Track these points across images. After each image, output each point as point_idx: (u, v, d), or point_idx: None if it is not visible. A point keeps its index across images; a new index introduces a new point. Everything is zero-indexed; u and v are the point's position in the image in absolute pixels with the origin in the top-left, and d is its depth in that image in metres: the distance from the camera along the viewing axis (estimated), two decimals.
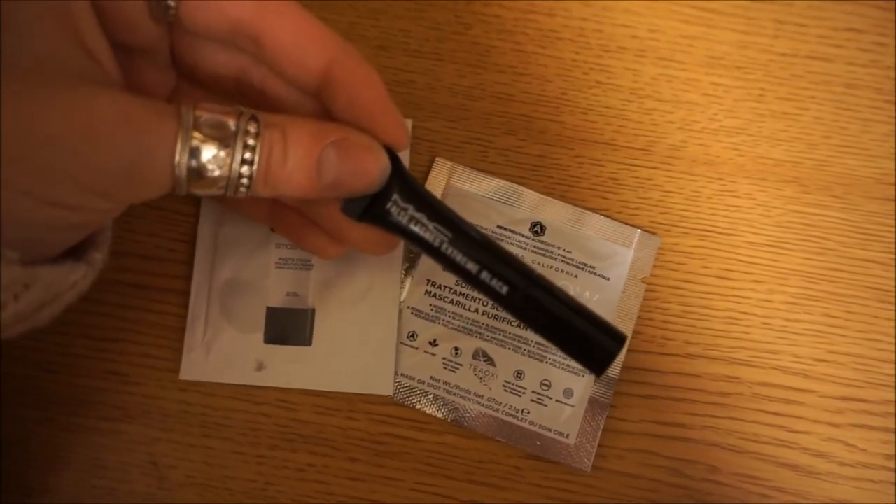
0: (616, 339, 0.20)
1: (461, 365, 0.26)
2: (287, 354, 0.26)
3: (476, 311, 0.26)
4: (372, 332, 0.26)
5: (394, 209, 0.20)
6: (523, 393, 0.26)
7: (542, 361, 0.26)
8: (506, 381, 0.26)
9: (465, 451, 0.26)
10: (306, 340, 0.26)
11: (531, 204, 0.27)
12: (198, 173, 0.18)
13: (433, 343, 0.26)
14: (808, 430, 0.26)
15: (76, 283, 0.19)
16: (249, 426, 0.26)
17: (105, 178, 0.17)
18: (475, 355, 0.26)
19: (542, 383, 0.26)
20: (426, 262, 0.26)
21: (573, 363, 0.26)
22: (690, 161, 0.28)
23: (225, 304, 0.26)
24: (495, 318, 0.26)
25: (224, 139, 0.18)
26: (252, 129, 0.19)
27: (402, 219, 0.20)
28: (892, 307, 0.27)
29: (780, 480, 0.26)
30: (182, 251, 0.27)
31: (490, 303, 0.26)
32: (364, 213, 0.21)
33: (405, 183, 0.20)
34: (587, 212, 0.27)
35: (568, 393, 0.26)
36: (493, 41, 0.29)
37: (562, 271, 0.26)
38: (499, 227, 0.27)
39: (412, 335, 0.26)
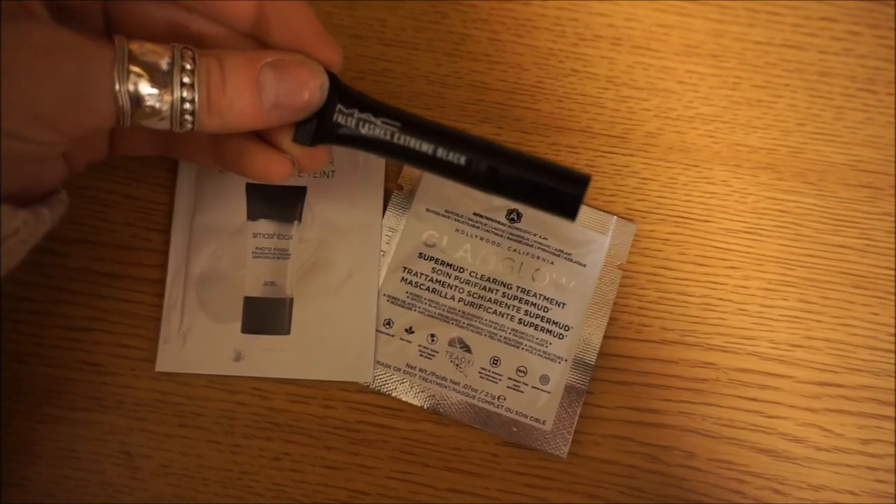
0: (580, 182, 0.20)
1: (437, 352, 0.26)
2: (265, 344, 0.26)
3: (452, 297, 0.26)
4: (350, 320, 0.26)
5: (340, 118, 0.21)
6: (500, 380, 0.26)
7: (518, 348, 0.26)
8: (482, 368, 0.26)
9: (442, 439, 0.26)
10: (285, 329, 0.26)
11: None
12: (137, 102, 0.19)
13: (409, 330, 0.26)
14: (785, 415, 0.26)
15: (18, 229, 0.20)
16: (225, 415, 0.26)
17: (49, 106, 0.18)
18: (451, 342, 0.26)
19: (518, 370, 0.26)
20: (402, 250, 0.26)
21: (550, 349, 0.26)
22: (666, 148, 0.28)
23: (201, 294, 0.26)
24: (472, 304, 0.26)
25: (161, 72, 0.19)
26: (188, 63, 0.19)
27: (351, 124, 0.21)
28: (868, 293, 0.27)
29: (756, 466, 0.26)
30: (157, 240, 0.27)
31: (467, 290, 0.26)
32: (316, 136, 0.21)
33: (346, 93, 0.21)
34: None
35: (544, 379, 0.26)
36: (469, 30, 0.29)
37: (538, 258, 0.26)
38: (475, 214, 0.27)
39: (388, 322, 0.26)
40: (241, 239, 0.26)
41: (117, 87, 0.19)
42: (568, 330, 0.26)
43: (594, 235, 0.27)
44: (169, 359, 0.26)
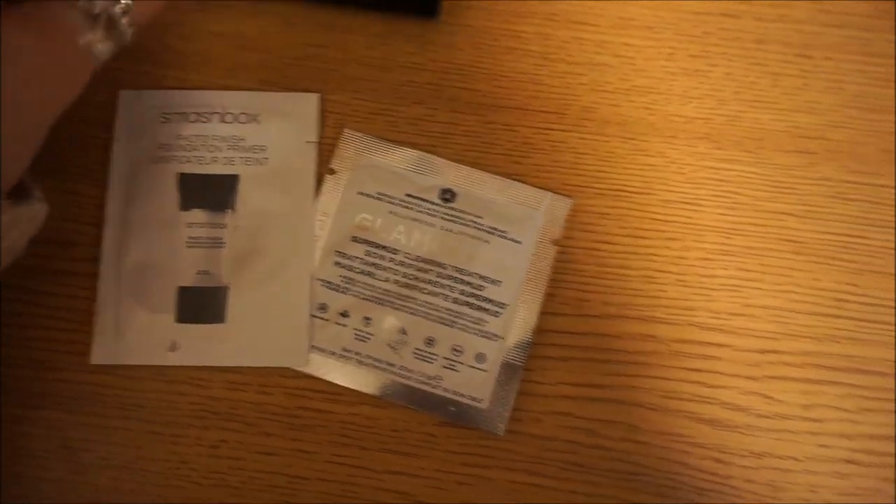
0: None
1: (372, 335, 0.26)
2: (201, 332, 0.26)
3: (387, 280, 0.26)
4: (285, 306, 0.26)
5: None
6: (435, 360, 0.25)
7: (453, 327, 0.26)
8: (417, 349, 0.25)
9: (380, 421, 0.25)
10: (220, 318, 0.26)
11: (441, 171, 0.27)
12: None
13: (344, 314, 0.26)
14: (727, 384, 0.26)
15: (17, 221, 0.22)
16: (163, 405, 0.25)
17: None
18: (386, 325, 0.26)
19: (453, 349, 0.26)
20: (336, 234, 0.26)
21: (486, 327, 0.26)
22: (602, 122, 0.28)
23: (135, 286, 0.26)
24: (406, 286, 0.26)
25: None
26: None
27: None
28: (807, 258, 0.27)
29: (699, 436, 0.26)
30: (90, 234, 0.26)
31: (401, 272, 0.26)
32: None
33: None
34: (497, 177, 0.27)
35: (480, 358, 0.26)
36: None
37: (473, 237, 0.26)
38: (407, 195, 0.27)
39: (323, 307, 0.26)
40: (175, 229, 0.26)
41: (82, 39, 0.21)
42: (503, 307, 0.26)
43: (528, 212, 0.26)
44: (104, 351, 0.25)
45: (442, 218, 0.26)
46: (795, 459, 0.26)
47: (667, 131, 0.28)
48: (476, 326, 0.26)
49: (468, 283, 0.26)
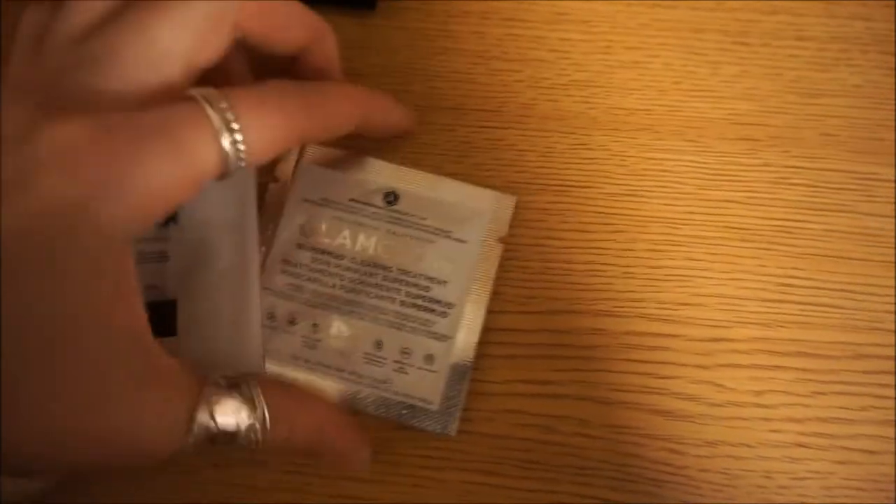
0: None
1: (320, 340, 0.26)
2: None
3: (333, 286, 0.26)
4: (235, 316, 0.26)
5: None
6: (384, 363, 0.25)
7: (401, 330, 0.26)
8: (366, 353, 0.25)
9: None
10: (170, 331, 0.26)
11: (384, 174, 0.27)
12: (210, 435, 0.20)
13: (292, 321, 0.26)
14: (677, 374, 0.26)
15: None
16: None
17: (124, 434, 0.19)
18: (334, 330, 0.26)
19: (402, 351, 0.25)
20: (281, 242, 0.26)
21: (434, 328, 0.26)
22: (542, 118, 0.28)
23: None
24: (353, 291, 0.26)
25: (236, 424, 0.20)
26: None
27: None
28: (753, 245, 0.27)
29: (651, 428, 0.26)
30: None
31: (347, 277, 0.26)
32: None
33: None
34: (441, 177, 0.27)
35: (429, 359, 0.25)
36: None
37: (417, 238, 0.26)
38: (351, 200, 0.27)
39: (270, 316, 0.26)
40: None
41: (198, 425, 0.19)
42: (451, 308, 0.26)
43: (472, 211, 0.26)
44: None
45: (386, 221, 0.26)
46: (748, 446, 0.25)
47: (608, 124, 0.28)
48: (424, 328, 0.26)
49: (414, 285, 0.26)
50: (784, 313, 0.26)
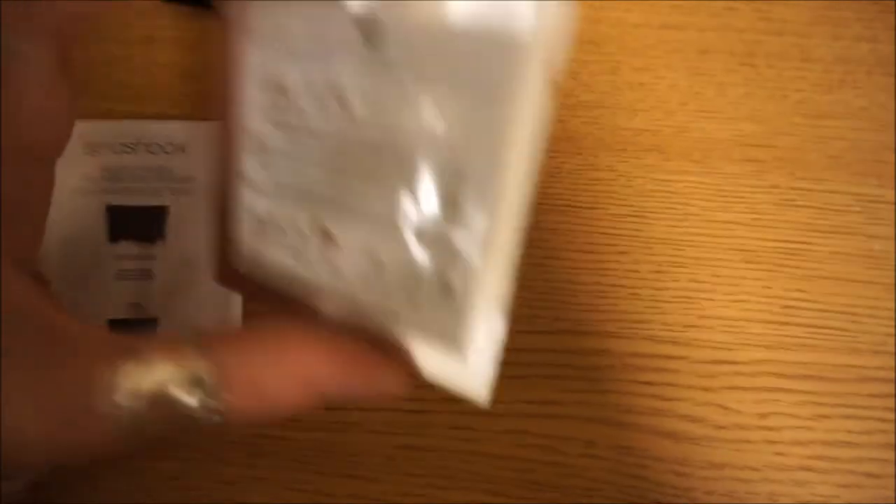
0: None
1: (307, 251, 0.18)
2: None
3: (315, 179, 0.18)
4: None
5: None
6: (383, 289, 0.17)
7: (405, 244, 0.17)
8: (360, 274, 0.17)
9: (337, 446, 0.25)
10: None
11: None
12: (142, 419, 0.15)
13: (279, 228, 0.18)
14: (682, 396, 0.26)
15: None
16: None
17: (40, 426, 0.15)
18: (319, 233, 0.18)
19: (406, 274, 0.17)
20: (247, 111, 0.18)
21: (453, 241, 0.15)
22: (549, 138, 0.28)
23: None
24: (335, 185, 0.17)
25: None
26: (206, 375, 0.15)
27: None
28: (758, 267, 0.27)
29: (657, 449, 0.26)
30: None
31: (328, 164, 0.17)
32: None
33: None
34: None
35: (446, 290, 0.16)
36: None
37: (414, 95, 0.16)
38: (317, 44, 0.17)
39: (262, 222, 0.19)
40: (104, 261, 0.26)
41: (117, 407, 0.15)
42: (475, 215, 0.16)
43: (497, 41, 0.14)
44: None
45: (370, 73, 0.16)
46: (754, 469, 0.25)
47: (615, 145, 0.28)
48: (437, 242, 0.16)
49: (415, 171, 0.16)
50: (789, 336, 0.26)
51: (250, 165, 0.19)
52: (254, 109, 0.19)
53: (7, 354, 0.15)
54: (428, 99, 0.16)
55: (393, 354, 0.17)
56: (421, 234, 0.17)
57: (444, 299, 0.16)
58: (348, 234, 0.17)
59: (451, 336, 0.17)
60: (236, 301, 0.26)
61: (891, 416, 0.26)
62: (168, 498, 0.25)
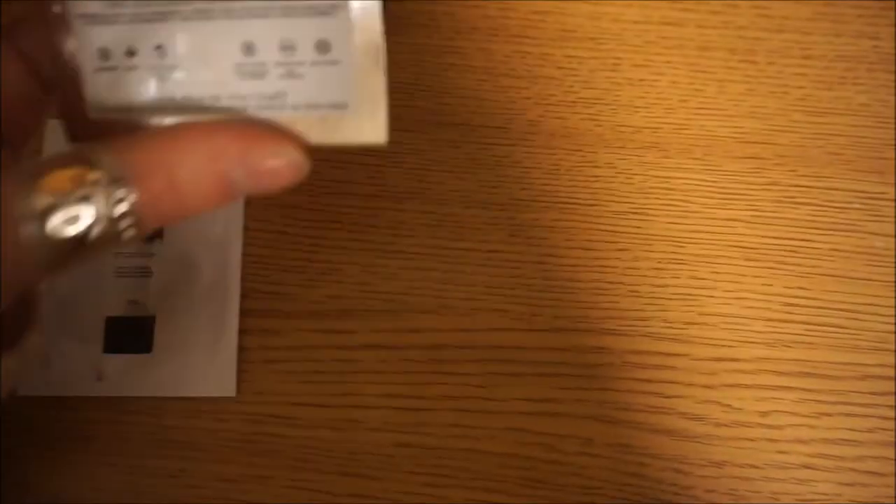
0: None
1: (173, 67, 0.18)
2: (127, 363, 0.26)
3: None
4: (211, 335, 0.26)
5: None
6: (265, 71, 0.18)
7: (269, 17, 0.18)
8: (236, 65, 0.18)
9: (337, 444, 0.25)
10: (146, 348, 0.26)
11: None
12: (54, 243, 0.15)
13: (131, 52, 0.18)
14: (683, 394, 0.26)
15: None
16: (116, 436, 0.25)
17: None
18: (183, 47, 0.18)
19: (282, 48, 0.18)
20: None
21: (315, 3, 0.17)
22: (548, 135, 0.28)
23: (62, 316, 0.26)
24: None
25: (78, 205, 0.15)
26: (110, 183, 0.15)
27: None
28: (759, 264, 0.27)
29: (656, 447, 0.26)
30: None
31: None
32: None
33: None
34: None
35: (323, 47, 0.18)
36: None
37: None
38: None
39: (103, 54, 0.18)
40: (102, 258, 0.26)
41: (30, 227, 0.14)
42: None
43: None
44: (30, 383, 0.25)
45: None
46: (755, 467, 0.25)
47: (614, 142, 0.28)
48: (302, 5, 0.17)
49: None
50: (789, 333, 0.26)
51: (84, 2, 0.18)
52: None
53: None
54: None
55: (283, 133, 0.17)
56: (288, 8, 0.17)
57: (322, 58, 0.17)
58: (219, 34, 0.18)
59: (339, 93, 0.18)
60: (234, 297, 0.26)
61: (892, 413, 0.25)
62: (168, 496, 0.25)
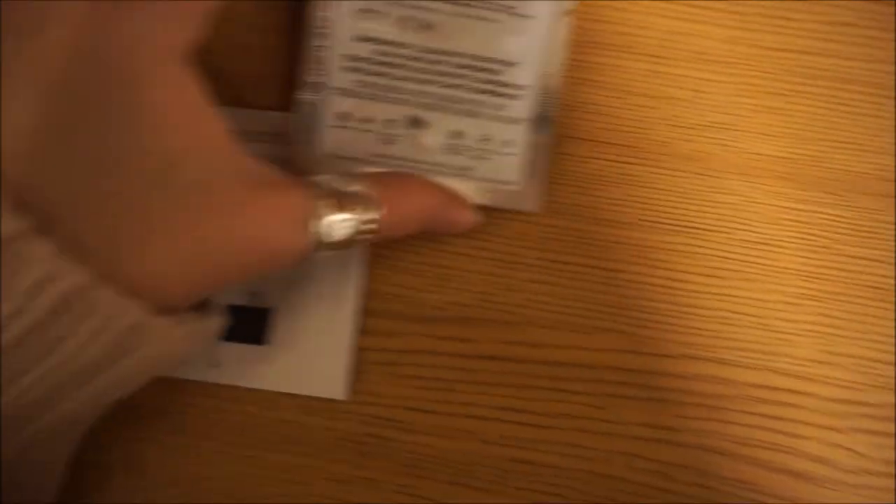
0: None
1: (397, 135, 0.25)
2: (242, 353, 0.26)
3: (402, 78, 0.25)
4: (327, 334, 0.26)
5: None
6: (464, 151, 0.25)
7: (476, 117, 0.25)
8: (445, 143, 0.25)
9: (449, 453, 0.25)
10: (262, 339, 0.26)
11: None
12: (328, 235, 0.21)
13: (366, 119, 0.25)
14: (807, 434, 0.25)
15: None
16: (232, 425, 0.25)
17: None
18: (409, 123, 0.25)
19: (481, 139, 0.25)
20: (341, 34, 0.25)
21: (510, 112, 0.25)
22: (677, 157, 0.27)
23: None
24: (423, 82, 0.25)
25: (347, 201, 0.21)
26: (369, 190, 0.21)
27: None
28: (893, 307, 0.26)
29: (774, 486, 0.25)
30: None
31: (414, 67, 0.25)
32: None
33: None
34: None
35: (508, 144, 0.25)
36: None
37: (482, 19, 0.25)
38: None
39: (343, 116, 0.25)
40: None
41: (316, 222, 0.20)
42: (524, 90, 0.25)
43: None
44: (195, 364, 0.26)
45: (446, 1, 0.25)
46: None
47: (745, 169, 0.27)
48: (499, 113, 0.25)
49: (484, 70, 0.25)
50: None
51: (339, 78, 0.25)
52: (345, 34, 0.25)
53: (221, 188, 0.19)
54: (491, 23, 0.25)
55: (466, 199, 0.25)
56: (489, 114, 0.25)
57: (506, 150, 0.25)
58: (436, 120, 0.25)
59: (513, 172, 0.26)
60: (354, 297, 0.26)
61: None
62: (275, 490, 0.25)
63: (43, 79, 0.17)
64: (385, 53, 0.25)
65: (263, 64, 0.28)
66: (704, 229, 0.27)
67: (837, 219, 0.27)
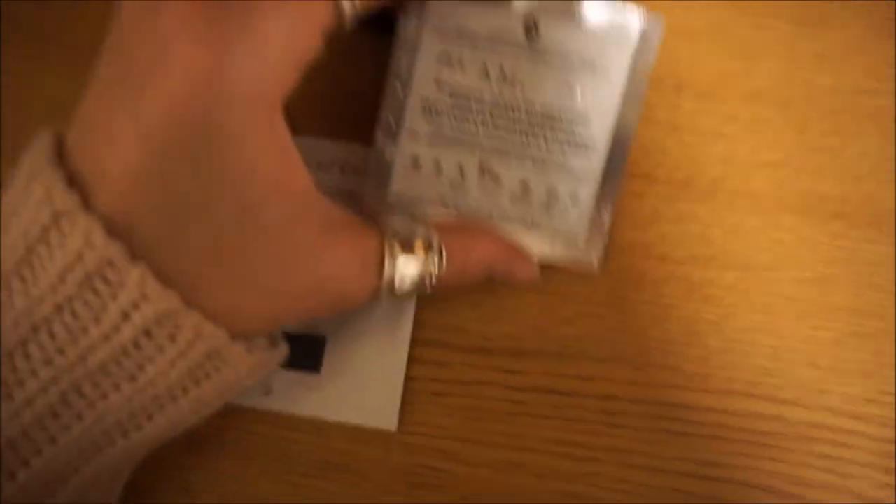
0: None
1: (466, 184, 0.25)
2: (295, 380, 0.26)
3: (476, 131, 0.25)
4: (381, 365, 0.26)
5: None
6: (530, 204, 0.25)
7: (545, 172, 0.25)
8: (512, 194, 0.25)
9: (506, 488, 0.25)
10: (316, 367, 0.26)
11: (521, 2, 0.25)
12: (400, 280, 0.22)
13: (437, 167, 0.25)
14: (858, 474, 0.25)
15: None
16: (283, 452, 0.26)
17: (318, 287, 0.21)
18: (479, 172, 0.25)
19: (548, 192, 0.25)
20: (420, 78, 0.25)
21: (579, 169, 0.25)
22: (730, 194, 0.28)
23: None
24: (496, 136, 0.25)
25: (414, 250, 0.22)
26: (435, 241, 0.22)
27: None
28: None
29: None
30: None
31: (490, 120, 0.25)
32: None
33: None
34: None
35: (574, 199, 0.25)
36: None
37: (561, 76, 0.25)
38: (488, 36, 0.25)
39: (415, 162, 0.25)
40: None
41: (387, 268, 0.21)
42: (595, 149, 0.25)
43: (618, 35, 0.24)
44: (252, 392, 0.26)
45: (527, 59, 0.25)
46: None
47: (798, 208, 0.27)
48: (569, 169, 0.25)
49: (559, 125, 0.25)
50: None
51: (414, 120, 0.26)
52: (425, 77, 0.25)
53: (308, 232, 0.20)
54: (568, 78, 0.25)
55: (529, 255, 0.25)
56: (558, 167, 0.26)
57: (573, 207, 0.26)
58: (506, 170, 0.26)
59: (574, 228, 0.26)
60: (407, 328, 0.26)
61: None
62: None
63: (153, 124, 0.18)
64: (462, 99, 0.25)
65: (345, 96, 0.28)
66: (756, 267, 0.27)
67: (889, 257, 0.27)
